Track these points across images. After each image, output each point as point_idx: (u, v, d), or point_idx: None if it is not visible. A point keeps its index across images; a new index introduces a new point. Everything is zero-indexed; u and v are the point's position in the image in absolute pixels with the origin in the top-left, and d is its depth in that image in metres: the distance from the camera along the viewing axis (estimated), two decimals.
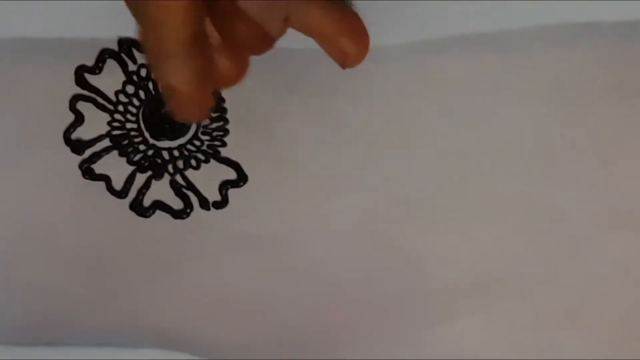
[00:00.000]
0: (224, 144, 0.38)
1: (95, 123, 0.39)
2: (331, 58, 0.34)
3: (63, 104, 0.38)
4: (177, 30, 0.28)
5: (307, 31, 0.34)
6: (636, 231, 0.39)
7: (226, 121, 0.38)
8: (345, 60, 0.34)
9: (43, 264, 0.39)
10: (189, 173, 0.39)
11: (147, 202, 0.39)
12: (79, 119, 0.38)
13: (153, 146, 0.39)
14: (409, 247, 0.39)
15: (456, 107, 0.38)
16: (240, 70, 0.31)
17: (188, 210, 0.39)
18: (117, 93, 0.38)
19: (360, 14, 0.35)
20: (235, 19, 0.30)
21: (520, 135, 0.38)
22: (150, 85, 0.38)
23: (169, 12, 0.28)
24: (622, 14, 0.38)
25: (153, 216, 0.39)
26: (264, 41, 0.31)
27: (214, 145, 0.39)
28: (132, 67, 0.38)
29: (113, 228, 0.39)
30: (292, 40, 0.38)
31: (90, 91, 0.38)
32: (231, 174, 0.39)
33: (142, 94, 0.38)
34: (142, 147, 0.39)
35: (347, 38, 0.34)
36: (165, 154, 0.39)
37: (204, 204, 0.39)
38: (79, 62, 0.38)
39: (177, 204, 0.39)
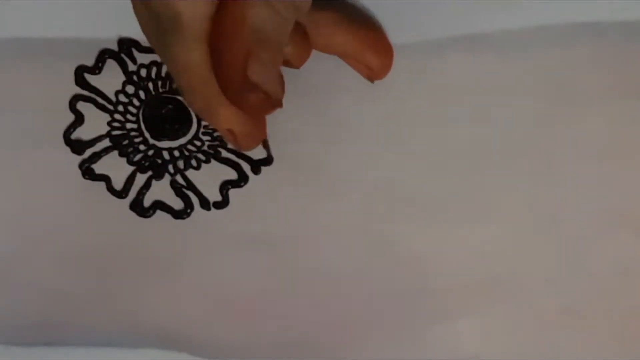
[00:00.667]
0: (224, 144, 0.38)
1: (95, 123, 0.39)
2: (358, 73, 0.37)
3: (63, 104, 0.38)
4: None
5: (333, 52, 0.37)
6: (636, 231, 0.39)
7: None
8: (372, 75, 0.37)
9: (43, 264, 0.39)
10: (190, 173, 0.39)
11: (147, 202, 0.39)
12: (79, 119, 0.38)
13: (153, 146, 0.39)
14: (409, 247, 0.39)
15: (456, 107, 0.38)
16: (259, 128, 0.35)
17: (188, 211, 0.39)
18: (117, 93, 0.38)
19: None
20: (247, 90, 0.31)
21: (519, 135, 0.39)
22: (150, 85, 0.38)
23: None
24: (621, 14, 0.38)
25: (153, 216, 0.39)
26: (273, 106, 0.32)
27: (214, 145, 0.39)
28: (132, 67, 0.38)
29: (113, 228, 0.39)
30: None
31: (90, 91, 0.38)
32: (232, 174, 0.39)
33: (142, 94, 0.38)
34: (142, 147, 0.39)
35: (372, 53, 0.37)
36: (166, 154, 0.39)
37: (205, 204, 0.39)
38: (79, 62, 0.38)
39: (177, 204, 0.39)
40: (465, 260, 0.39)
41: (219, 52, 0.31)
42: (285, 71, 0.38)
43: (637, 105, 0.38)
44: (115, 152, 0.39)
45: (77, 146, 0.38)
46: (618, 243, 0.39)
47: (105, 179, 0.39)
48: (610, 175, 0.39)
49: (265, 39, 0.30)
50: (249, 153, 0.38)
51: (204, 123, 0.38)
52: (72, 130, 0.38)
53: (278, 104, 0.32)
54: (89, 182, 0.39)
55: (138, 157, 0.39)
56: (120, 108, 0.38)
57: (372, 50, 0.37)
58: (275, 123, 0.38)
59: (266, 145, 0.38)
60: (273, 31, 0.31)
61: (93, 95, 0.38)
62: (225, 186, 0.39)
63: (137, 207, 0.39)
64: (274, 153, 0.39)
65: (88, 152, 0.39)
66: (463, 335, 0.39)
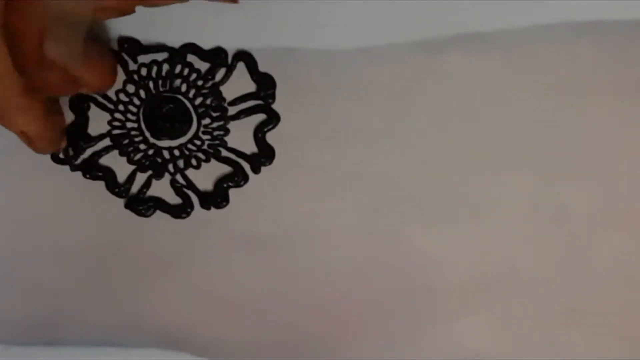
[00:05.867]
0: (224, 144, 0.38)
1: (96, 122, 0.39)
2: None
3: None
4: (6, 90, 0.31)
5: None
6: (637, 230, 0.39)
7: (227, 121, 0.38)
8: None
9: (43, 264, 0.39)
10: (190, 172, 0.39)
11: (147, 201, 0.39)
12: (80, 118, 0.38)
13: (153, 145, 0.39)
14: (410, 246, 0.39)
15: (457, 106, 0.38)
16: (55, 132, 0.35)
17: (188, 210, 0.39)
18: (117, 92, 0.38)
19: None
20: (43, 68, 0.31)
21: (521, 134, 0.38)
22: (151, 84, 0.38)
23: None
24: (623, 13, 0.38)
25: (153, 215, 0.39)
26: (73, 84, 0.32)
27: (214, 144, 0.39)
28: (132, 66, 0.38)
29: (113, 227, 0.39)
30: (292, 39, 0.38)
31: None
32: (232, 174, 0.39)
33: (142, 93, 0.38)
34: (142, 146, 0.39)
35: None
36: (166, 153, 0.39)
37: (205, 203, 0.39)
38: None
39: (177, 203, 0.39)
40: (466, 260, 0.39)
41: (14, 30, 0.30)
42: (285, 70, 0.38)
43: (639, 104, 0.38)
44: (116, 152, 0.39)
45: (77, 145, 0.39)
46: (620, 242, 0.39)
47: (106, 178, 0.39)
48: (612, 174, 0.39)
49: (64, 15, 0.29)
50: (247, 151, 0.38)
51: (204, 122, 0.38)
52: (72, 129, 0.39)
53: (82, 82, 0.32)
54: (89, 181, 0.39)
55: (138, 156, 0.39)
56: (121, 107, 0.39)
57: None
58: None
59: (66, 154, 0.38)
60: (73, 8, 0.30)
61: (93, 95, 0.38)
62: (225, 185, 0.39)
63: (137, 207, 0.39)
64: (274, 153, 0.39)
65: (88, 152, 0.39)
66: (464, 334, 0.39)
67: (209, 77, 0.38)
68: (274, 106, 0.38)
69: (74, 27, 0.30)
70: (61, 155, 0.38)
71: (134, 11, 0.33)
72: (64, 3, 0.30)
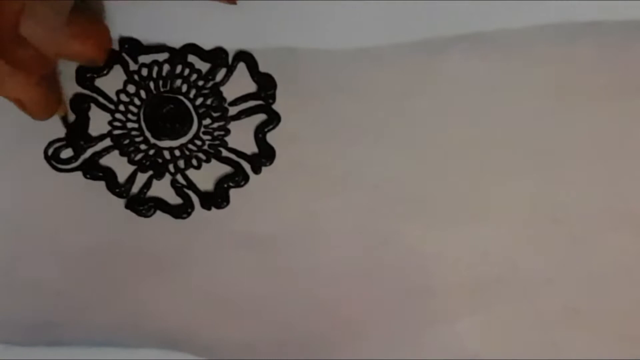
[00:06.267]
0: (225, 144, 0.39)
1: (97, 122, 0.39)
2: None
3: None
4: None
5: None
6: (637, 230, 0.39)
7: (227, 121, 0.38)
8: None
9: (43, 264, 0.39)
10: (190, 172, 0.39)
11: (148, 201, 0.39)
12: (80, 118, 0.39)
13: (154, 146, 0.39)
14: (410, 246, 0.39)
15: (457, 106, 0.38)
16: (50, 98, 0.35)
17: (189, 210, 0.39)
18: (118, 92, 0.38)
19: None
20: (17, 45, 0.31)
21: (521, 134, 0.39)
22: (151, 84, 0.38)
23: None
24: (622, 13, 0.38)
25: (154, 216, 0.39)
26: (46, 64, 0.33)
27: (215, 144, 0.39)
28: (133, 66, 0.38)
29: (114, 228, 0.39)
30: (293, 40, 0.38)
31: (91, 91, 0.39)
32: (232, 174, 0.39)
33: (143, 93, 0.38)
34: (143, 146, 0.39)
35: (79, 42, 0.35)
36: (167, 154, 0.39)
37: (205, 203, 0.39)
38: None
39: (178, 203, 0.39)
40: (466, 260, 0.39)
41: None
42: (286, 71, 0.38)
43: (639, 104, 0.38)
44: (116, 152, 0.39)
45: (78, 145, 0.39)
46: (619, 242, 0.39)
47: (106, 178, 0.39)
48: (611, 174, 0.39)
49: None
50: (247, 151, 0.39)
51: (204, 122, 0.38)
52: (73, 129, 0.39)
53: (51, 63, 0.32)
54: (89, 181, 0.39)
55: (139, 156, 0.39)
56: (122, 107, 0.39)
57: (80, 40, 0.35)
58: None
59: (65, 121, 0.38)
60: None
61: (94, 95, 0.39)
62: (225, 186, 0.39)
63: (138, 207, 0.39)
64: (275, 153, 0.39)
65: (89, 152, 0.39)
66: (464, 334, 0.39)
67: (210, 77, 0.38)
68: (275, 106, 0.38)
69: (55, 6, 0.30)
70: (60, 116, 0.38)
71: None
72: None
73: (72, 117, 0.38)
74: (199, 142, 0.39)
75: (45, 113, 0.36)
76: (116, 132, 0.39)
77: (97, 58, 0.36)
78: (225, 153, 0.39)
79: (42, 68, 0.33)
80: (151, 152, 0.39)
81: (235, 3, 0.37)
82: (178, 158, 0.39)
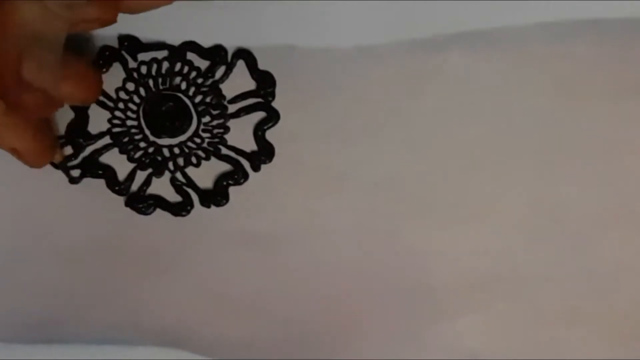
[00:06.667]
0: (224, 141, 0.38)
1: (96, 120, 0.39)
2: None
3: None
4: None
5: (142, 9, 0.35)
6: (636, 229, 0.39)
7: (227, 118, 0.38)
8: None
9: (43, 262, 0.39)
10: (190, 170, 0.39)
11: (147, 199, 0.39)
12: (80, 116, 0.39)
13: (153, 143, 0.39)
14: (410, 245, 0.39)
15: (457, 105, 0.38)
16: (45, 145, 0.36)
17: (188, 208, 0.39)
18: (117, 90, 0.38)
19: None
20: (22, 90, 0.31)
21: (520, 132, 0.38)
22: (151, 82, 0.38)
23: None
24: (623, 11, 0.38)
25: (153, 213, 0.39)
26: (53, 104, 0.32)
27: (214, 142, 0.39)
28: (132, 64, 0.38)
29: (113, 225, 0.39)
30: (292, 37, 0.38)
31: None
32: (232, 172, 0.39)
33: (142, 91, 0.38)
34: (142, 144, 0.39)
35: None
36: (166, 151, 0.39)
37: (204, 201, 0.39)
38: None
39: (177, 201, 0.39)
40: (466, 258, 0.39)
41: None
42: (285, 68, 0.38)
43: (639, 102, 0.38)
44: (116, 149, 0.39)
45: (77, 143, 0.39)
46: (619, 241, 0.39)
47: (106, 176, 0.39)
48: (611, 173, 0.38)
49: (39, 36, 0.30)
50: (247, 149, 0.39)
51: (204, 120, 0.38)
52: (72, 127, 0.39)
53: (58, 103, 0.33)
54: (89, 179, 0.39)
55: (138, 154, 0.39)
56: (121, 105, 0.39)
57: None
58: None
59: (64, 167, 0.38)
60: (47, 28, 0.30)
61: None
62: (225, 183, 0.39)
63: (137, 204, 0.39)
64: (274, 151, 0.39)
65: (89, 150, 0.39)
66: (464, 333, 0.39)
67: (209, 75, 0.38)
68: (274, 104, 0.38)
69: (50, 45, 0.31)
70: (56, 163, 0.38)
71: (115, 21, 0.33)
72: (38, 23, 0.30)
73: (64, 110, 0.38)
74: (198, 140, 0.39)
75: (40, 161, 0.36)
76: (115, 130, 0.39)
77: (89, 100, 0.37)
78: (224, 151, 0.39)
79: (48, 110, 0.33)
80: (151, 149, 0.39)
81: None
82: (177, 156, 0.39)
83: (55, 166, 0.38)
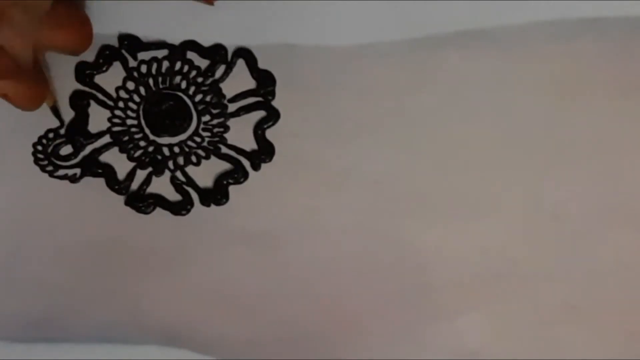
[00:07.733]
0: (224, 140, 0.39)
1: (96, 119, 0.39)
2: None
3: (64, 101, 0.38)
4: None
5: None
6: (636, 228, 0.39)
7: (227, 117, 0.38)
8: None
9: (43, 261, 0.39)
10: (190, 169, 0.39)
11: (147, 198, 0.39)
12: (80, 115, 0.39)
13: (153, 142, 0.39)
14: (410, 243, 0.39)
15: (457, 103, 0.38)
16: (35, 90, 0.36)
17: (188, 207, 0.39)
18: (117, 89, 0.38)
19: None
20: None
21: (521, 130, 0.38)
22: (151, 81, 0.38)
23: None
24: (624, 10, 0.38)
25: (153, 212, 0.39)
26: (19, 72, 0.33)
27: (214, 141, 0.39)
28: (132, 63, 0.38)
29: (114, 225, 0.39)
30: (292, 36, 0.38)
31: (90, 87, 0.39)
32: (232, 170, 0.39)
33: (142, 90, 0.38)
34: (142, 143, 0.39)
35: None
36: (166, 150, 0.39)
37: (205, 200, 0.39)
38: (80, 58, 0.38)
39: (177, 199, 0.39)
40: (466, 257, 0.39)
41: None
42: (286, 67, 0.38)
43: (639, 100, 0.38)
44: (116, 148, 0.39)
45: (77, 142, 0.39)
46: (619, 239, 0.39)
47: (106, 175, 0.39)
48: (611, 171, 0.38)
49: (24, 2, 0.30)
50: (247, 148, 0.39)
51: (204, 119, 0.38)
52: (72, 126, 0.39)
53: (24, 71, 0.33)
54: (89, 178, 0.39)
55: (138, 153, 0.39)
56: (121, 104, 0.39)
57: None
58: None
59: (55, 110, 0.38)
60: None
61: (93, 92, 0.39)
62: (225, 182, 0.39)
63: (137, 203, 0.39)
64: (274, 150, 0.39)
65: (89, 149, 0.39)
66: (464, 331, 0.39)
67: (209, 74, 0.38)
68: (274, 103, 0.38)
69: (30, 15, 0.31)
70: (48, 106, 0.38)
71: None
72: None
73: (64, 109, 0.38)
74: (198, 139, 0.39)
75: (32, 104, 0.36)
76: (115, 128, 0.39)
77: (79, 48, 0.36)
78: (224, 150, 0.39)
79: (18, 76, 0.33)
80: (150, 148, 0.39)
81: (212, 4, 0.37)
82: (177, 155, 0.39)
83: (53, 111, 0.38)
